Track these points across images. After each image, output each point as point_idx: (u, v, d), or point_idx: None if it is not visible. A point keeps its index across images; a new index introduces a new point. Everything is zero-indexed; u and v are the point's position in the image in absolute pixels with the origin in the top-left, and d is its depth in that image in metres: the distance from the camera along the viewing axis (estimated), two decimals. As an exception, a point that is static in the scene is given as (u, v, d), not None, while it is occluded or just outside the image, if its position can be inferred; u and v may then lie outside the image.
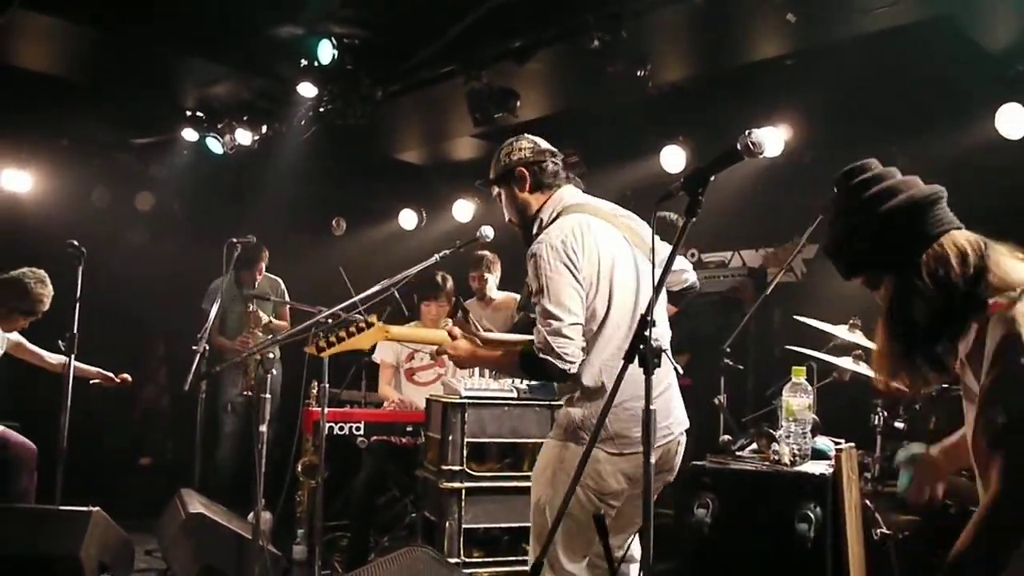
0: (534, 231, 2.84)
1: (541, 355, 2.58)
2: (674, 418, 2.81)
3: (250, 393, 5.60)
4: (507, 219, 3.00)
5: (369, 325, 3.02)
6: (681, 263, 3.12)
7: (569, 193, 2.89)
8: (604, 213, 2.86)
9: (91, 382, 4.92)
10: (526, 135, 2.98)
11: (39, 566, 3.46)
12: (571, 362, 2.59)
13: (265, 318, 5.88)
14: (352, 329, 3.01)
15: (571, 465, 2.64)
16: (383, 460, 4.89)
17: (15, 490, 4.63)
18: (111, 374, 5.02)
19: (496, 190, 2.97)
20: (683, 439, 2.86)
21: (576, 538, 2.66)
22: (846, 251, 2.00)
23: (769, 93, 5.34)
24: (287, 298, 6.04)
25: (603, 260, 2.70)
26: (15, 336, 4.96)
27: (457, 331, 2.95)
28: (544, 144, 2.95)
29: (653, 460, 2.72)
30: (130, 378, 5.11)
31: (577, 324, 2.61)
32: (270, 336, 5.59)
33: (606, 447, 2.62)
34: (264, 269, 6.09)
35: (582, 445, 2.64)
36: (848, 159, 2.11)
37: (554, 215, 2.82)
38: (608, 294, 2.69)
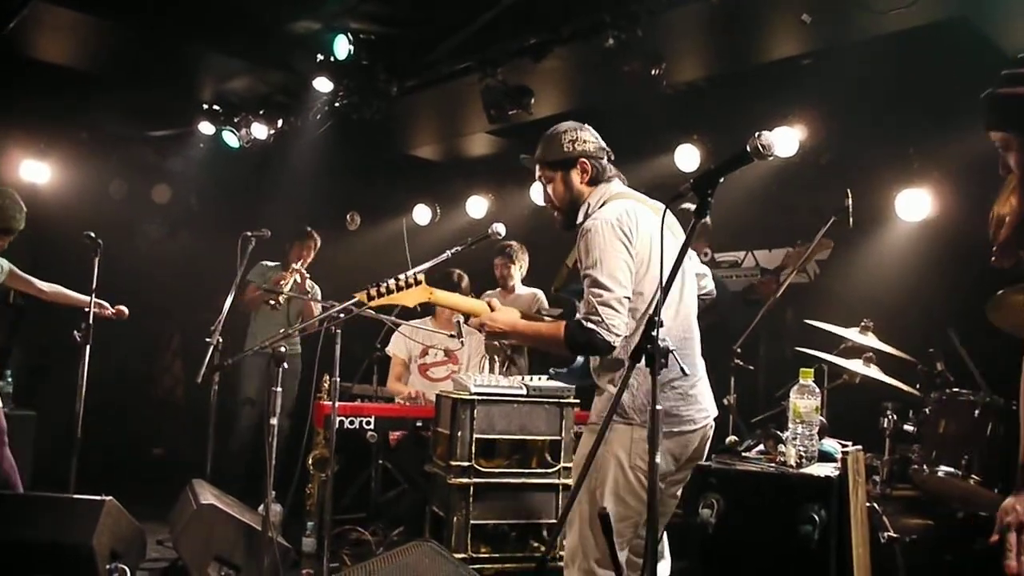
0: (579, 218, 2.86)
1: (588, 324, 2.60)
2: (710, 402, 2.86)
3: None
4: (547, 202, 2.99)
5: (418, 282, 3.06)
6: (700, 268, 3.14)
7: (616, 184, 2.94)
8: (649, 205, 2.91)
9: (85, 311, 4.75)
10: (587, 126, 2.98)
11: (52, 554, 3.50)
12: (617, 335, 2.60)
13: (310, 283, 5.87)
14: (402, 283, 3.04)
15: (618, 445, 2.66)
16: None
17: None
18: (106, 304, 4.91)
19: (546, 172, 2.95)
20: (712, 426, 2.89)
21: (625, 522, 2.67)
22: (1003, 102, 1.96)
23: (785, 93, 5.32)
24: (319, 297, 6.03)
25: (654, 244, 2.74)
26: (6, 263, 4.86)
27: (496, 303, 2.98)
28: (601, 140, 2.97)
29: (693, 445, 2.75)
30: (126, 311, 4.98)
31: (626, 298, 2.64)
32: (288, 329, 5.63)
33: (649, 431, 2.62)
34: (314, 251, 6.04)
35: (629, 424, 2.66)
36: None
37: (602, 201, 2.85)
38: (658, 276, 2.70)
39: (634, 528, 2.69)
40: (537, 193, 6.57)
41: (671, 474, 2.72)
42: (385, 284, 3.05)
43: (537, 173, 2.99)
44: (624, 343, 2.66)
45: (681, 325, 2.80)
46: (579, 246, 2.75)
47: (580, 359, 2.94)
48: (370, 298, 3.07)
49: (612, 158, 2.96)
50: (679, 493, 2.90)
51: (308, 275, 5.98)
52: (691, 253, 2.70)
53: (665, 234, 2.80)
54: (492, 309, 2.94)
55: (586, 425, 2.90)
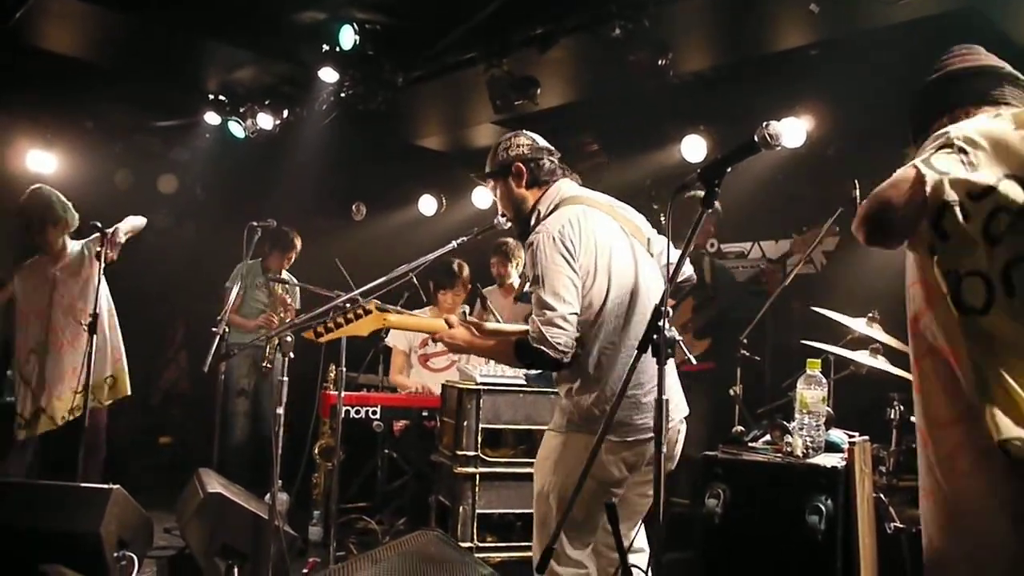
0: (532, 223, 2.88)
1: (535, 344, 2.63)
2: (674, 404, 2.82)
3: (270, 366, 5.61)
4: (500, 212, 3.08)
5: (367, 312, 3.03)
6: (676, 256, 3.12)
7: (567, 186, 2.93)
8: (602, 205, 2.89)
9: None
10: (524, 131, 3.03)
11: (60, 542, 3.51)
12: (564, 351, 2.63)
13: (290, 300, 5.90)
14: (351, 316, 3.02)
15: (572, 453, 2.69)
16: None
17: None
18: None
19: (491, 183, 3.02)
20: (683, 427, 2.88)
21: (580, 525, 2.69)
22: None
23: (792, 83, 5.30)
24: (298, 296, 6.03)
25: (600, 249, 2.73)
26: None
27: (454, 319, 2.99)
28: (542, 142, 2.99)
29: (649, 454, 2.76)
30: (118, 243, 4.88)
31: (572, 314, 2.64)
32: (290, 320, 5.63)
33: (608, 435, 2.63)
34: (293, 259, 6.08)
35: (583, 433, 2.69)
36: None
37: (552, 207, 2.85)
38: (606, 283, 2.72)
39: (591, 531, 2.74)
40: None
41: (630, 479, 2.72)
42: (334, 319, 3.03)
43: (488, 187, 3.07)
44: (578, 353, 2.68)
45: (639, 327, 2.72)
46: (526, 259, 2.78)
47: None
48: (318, 335, 3.03)
49: (555, 154, 2.97)
50: (650, 492, 2.88)
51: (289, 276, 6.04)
52: (662, 241, 2.66)
53: (616, 237, 2.79)
54: (450, 326, 2.96)
55: (549, 428, 2.90)
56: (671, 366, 2.80)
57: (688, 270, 3.13)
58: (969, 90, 2.10)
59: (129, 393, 5.01)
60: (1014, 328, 1.78)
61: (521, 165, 2.91)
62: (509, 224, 3.66)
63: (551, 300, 2.63)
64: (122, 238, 4.82)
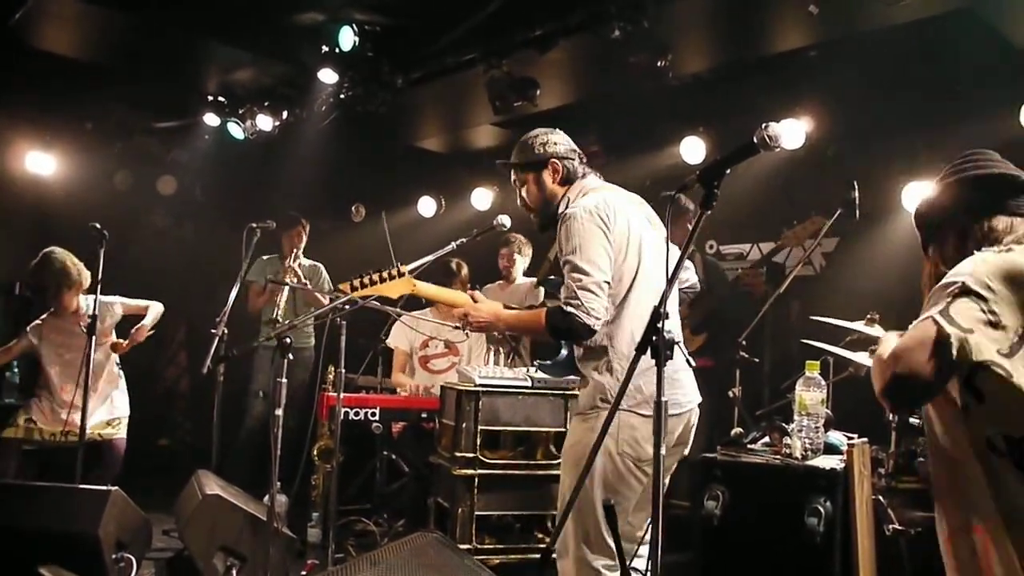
0: (560, 211, 2.91)
1: (567, 308, 2.64)
2: (692, 388, 2.87)
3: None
4: (520, 203, 3.10)
5: (401, 274, 3.13)
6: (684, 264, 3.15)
7: (592, 179, 3.03)
8: (626, 197, 2.98)
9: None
10: (557, 130, 3.10)
11: (58, 543, 3.51)
12: (596, 318, 2.64)
13: (319, 268, 5.93)
14: (385, 275, 3.11)
15: (607, 432, 2.65)
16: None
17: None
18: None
19: (519, 175, 3.06)
20: (697, 412, 2.89)
21: (616, 509, 2.66)
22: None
23: (791, 85, 5.30)
24: (328, 285, 6.04)
25: (632, 232, 2.81)
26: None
27: (479, 295, 3.06)
28: (572, 143, 3.07)
29: (678, 431, 2.77)
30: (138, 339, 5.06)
31: (606, 282, 2.68)
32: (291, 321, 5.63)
33: (641, 410, 2.65)
34: (304, 236, 6.08)
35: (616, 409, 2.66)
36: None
37: (582, 193, 2.93)
38: (636, 263, 2.78)
39: (624, 515, 2.71)
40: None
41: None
42: (368, 275, 3.13)
43: (512, 178, 3.10)
44: (606, 330, 2.71)
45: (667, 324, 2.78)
46: (559, 233, 2.80)
47: (564, 352, 2.97)
48: (353, 288, 3.14)
49: (594, 150, 3.03)
50: (666, 481, 2.89)
51: (309, 261, 6.03)
52: (673, 246, 2.69)
53: (644, 225, 2.88)
54: (475, 301, 3.00)
55: (575, 414, 2.90)
56: (684, 362, 2.82)
57: (692, 277, 3.17)
58: (989, 199, 1.98)
59: (123, 435, 5.09)
60: None
61: (558, 162, 2.99)
62: (509, 226, 3.70)
63: (586, 266, 2.67)
64: (145, 335, 5.01)
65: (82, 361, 4.49)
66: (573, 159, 3.01)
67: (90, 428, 4.66)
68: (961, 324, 1.69)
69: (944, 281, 1.79)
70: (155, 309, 5.07)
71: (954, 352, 1.66)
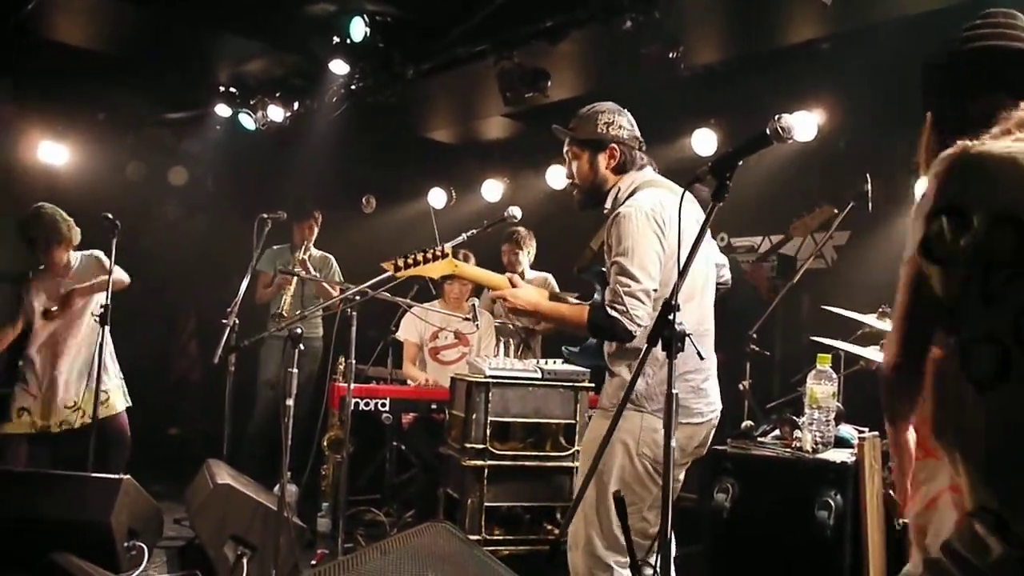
0: (608, 203, 2.86)
1: (612, 311, 2.60)
2: (717, 396, 2.85)
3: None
4: (568, 177, 2.98)
5: (444, 255, 3.09)
6: (719, 258, 3.12)
7: (647, 171, 2.93)
8: (678, 194, 2.88)
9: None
10: (625, 111, 2.97)
11: (71, 531, 3.54)
12: (639, 325, 2.61)
13: (317, 273, 5.89)
14: (429, 255, 3.09)
15: (626, 431, 2.65)
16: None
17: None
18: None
19: (575, 147, 2.93)
20: (718, 418, 2.88)
21: (629, 508, 2.65)
22: None
23: (803, 77, 5.27)
24: (338, 276, 6.05)
25: (684, 235, 2.72)
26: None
27: (518, 279, 2.98)
28: (637, 130, 2.95)
29: (699, 437, 2.76)
30: None
31: (655, 290, 2.64)
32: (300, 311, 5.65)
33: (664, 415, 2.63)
34: (315, 228, 6.07)
35: (639, 411, 2.66)
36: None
37: (633, 188, 2.84)
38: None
39: (638, 513, 2.69)
40: (553, 176, 6.55)
41: (677, 462, 2.71)
42: (412, 255, 3.08)
43: (565, 147, 2.96)
44: (643, 332, 2.65)
45: (698, 316, 2.78)
46: (610, 231, 2.74)
47: (593, 340, 2.94)
48: (397, 268, 3.09)
49: (644, 147, 2.96)
50: (681, 477, 2.90)
51: (320, 252, 6.04)
52: (712, 241, 2.68)
53: (688, 220, 2.82)
54: (514, 285, 2.93)
55: (596, 409, 2.89)
56: (714, 362, 2.81)
57: (727, 274, 3.13)
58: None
59: (127, 404, 5.11)
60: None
61: (617, 148, 2.87)
62: (519, 217, 3.69)
63: (637, 272, 2.62)
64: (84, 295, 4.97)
65: (67, 343, 4.53)
66: (634, 147, 2.90)
67: (84, 409, 4.81)
68: (939, 256, 1.56)
69: (919, 202, 1.67)
70: (116, 275, 4.89)
71: (941, 291, 1.55)
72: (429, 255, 3.08)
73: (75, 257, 5.02)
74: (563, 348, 3.17)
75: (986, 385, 1.48)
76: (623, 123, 2.90)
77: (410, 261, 3.08)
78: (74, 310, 4.94)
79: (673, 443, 2.53)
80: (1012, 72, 1.76)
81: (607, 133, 2.87)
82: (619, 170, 2.88)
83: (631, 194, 2.81)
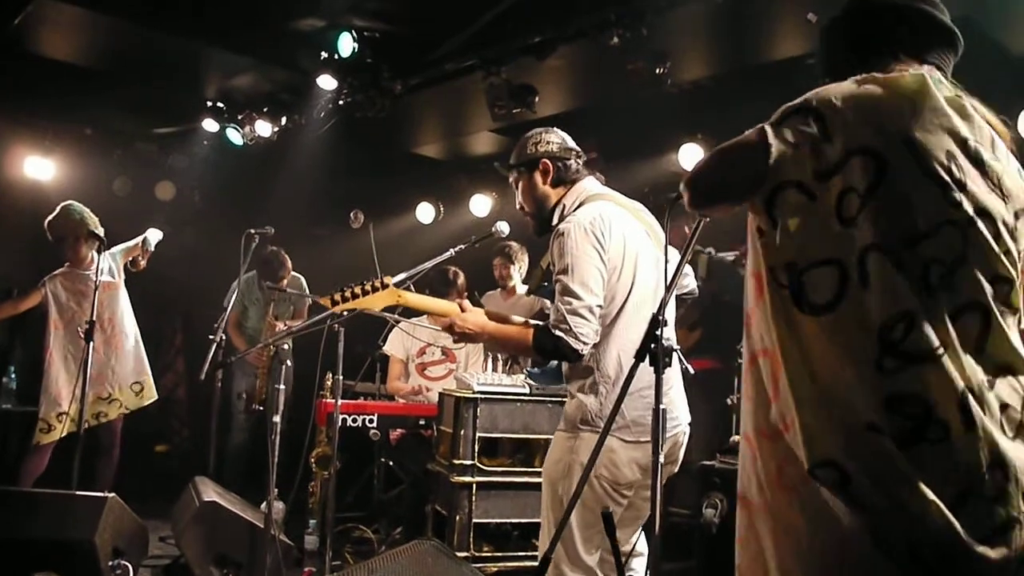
0: (555, 219, 2.86)
1: (556, 332, 2.58)
2: (681, 410, 2.82)
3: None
4: (518, 206, 3.01)
5: (384, 286, 3.02)
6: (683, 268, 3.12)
7: (592, 184, 2.92)
8: (627, 206, 2.89)
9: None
10: (555, 129, 3.00)
11: (55, 550, 3.50)
12: (584, 343, 2.59)
13: (281, 326, 5.89)
14: (368, 288, 3.01)
15: (584, 454, 2.62)
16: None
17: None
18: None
19: (514, 176, 2.98)
20: (687, 431, 2.86)
21: (592, 529, 2.64)
22: None
23: (790, 92, 5.27)
24: (308, 295, 6.06)
25: (628, 248, 2.72)
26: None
27: (468, 304, 2.94)
28: (571, 142, 2.97)
29: (664, 451, 2.74)
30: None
31: (598, 306, 2.62)
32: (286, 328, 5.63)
33: (622, 435, 2.61)
34: (287, 278, 6.07)
35: (595, 433, 2.63)
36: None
37: (577, 203, 2.83)
38: (630, 282, 2.71)
39: (601, 535, 2.65)
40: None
41: (639, 482, 2.67)
42: (351, 288, 3.02)
43: (510, 179, 3.01)
44: (592, 350, 2.65)
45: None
46: (552, 249, 2.73)
47: (555, 361, 2.93)
48: (334, 302, 3.03)
49: (592, 157, 2.96)
50: (647, 495, 2.87)
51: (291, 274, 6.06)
52: (674, 252, 2.65)
53: (642, 238, 2.80)
54: (463, 310, 2.90)
55: (557, 430, 2.86)
56: (679, 375, 2.79)
57: (691, 283, 3.12)
58: (916, 38, 1.81)
59: (155, 397, 5.23)
60: (860, 328, 1.52)
61: (548, 162, 2.89)
62: (507, 232, 3.69)
63: (578, 289, 2.59)
64: (152, 247, 5.14)
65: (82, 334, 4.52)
66: (568, 159, 2.90)
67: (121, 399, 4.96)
68: (788, 139, 1.62)
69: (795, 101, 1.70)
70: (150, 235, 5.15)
71: (771, 161, 1.61)
72: (368, 287, 3.00)
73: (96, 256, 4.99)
74: (525, 370, 3.14)
75: (821, 309, 1.56)
76: (551, 139, 2.94)
77: (347, 295, 3.01)
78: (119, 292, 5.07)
79: (624, 468, 2.53)
80: (901, 30, 1.84)
81: (536, 152, 2.91)
82: (556, 183, 2.89)
83: (576, 209, 2.81)
